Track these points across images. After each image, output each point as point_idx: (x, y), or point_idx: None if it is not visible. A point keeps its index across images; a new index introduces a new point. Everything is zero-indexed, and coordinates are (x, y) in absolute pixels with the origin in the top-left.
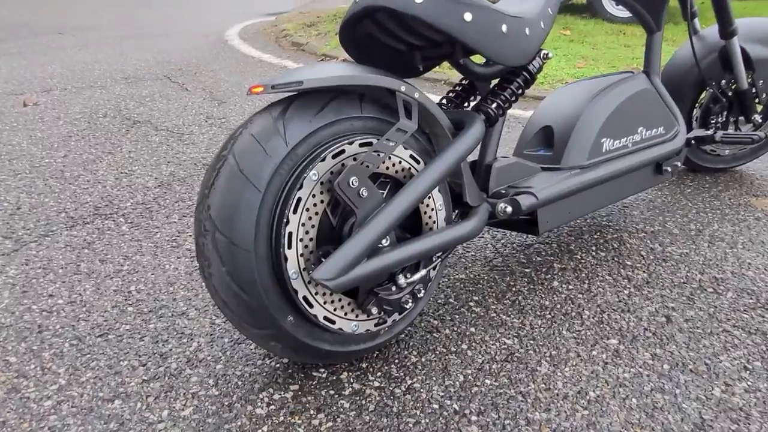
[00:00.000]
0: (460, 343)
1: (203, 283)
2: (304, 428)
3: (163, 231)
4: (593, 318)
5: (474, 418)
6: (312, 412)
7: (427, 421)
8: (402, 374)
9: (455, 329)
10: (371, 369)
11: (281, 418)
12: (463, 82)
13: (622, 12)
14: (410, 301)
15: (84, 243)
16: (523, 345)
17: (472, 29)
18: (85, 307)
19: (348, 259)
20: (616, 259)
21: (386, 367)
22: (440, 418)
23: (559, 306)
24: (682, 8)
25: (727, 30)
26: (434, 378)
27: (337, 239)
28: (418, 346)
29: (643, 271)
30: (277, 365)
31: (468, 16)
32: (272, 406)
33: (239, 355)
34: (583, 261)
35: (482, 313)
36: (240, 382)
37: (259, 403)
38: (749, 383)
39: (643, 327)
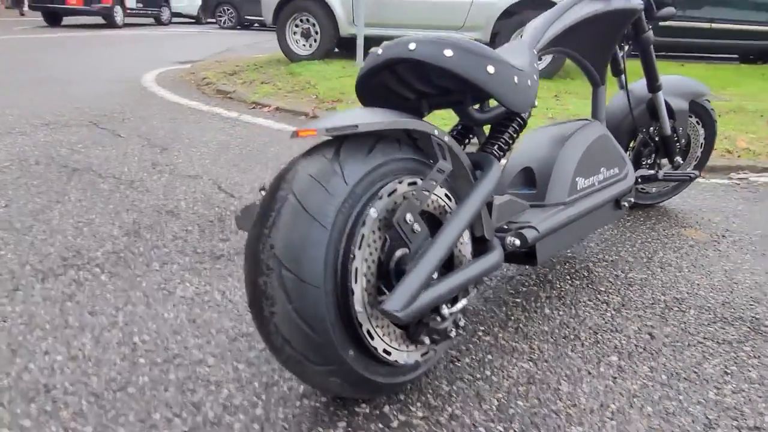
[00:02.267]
0: (483, 369)
1: (257, 324)
2: None
3: (148, 279)
4: (590, 339)
5: None
6: None
7: None
8: (440, 403)
9: (474, 357)
10: (410, 401)
11: None
12: (458, 126)
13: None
14: (454, 329)
15: (64, 296)
16: (539, 368)
17: (494, 80)
18: (91, 362)
19: (412, 291)
20: (590, 286)
21: (423, 398)
22: None
23: (557, 330)
24: (613, 66)
25: (654, 85)
26: (471, 404)
27: (385, 273)
28: (445, 375)
29: (616, 296)
30: (317, 404)
31: (491, 69)
32: None
33: (275, 398)
34: (563, 289)
35: (493, 342)
36: (286, 425)
37: None
38: (734, 385)
39: (633, 344)
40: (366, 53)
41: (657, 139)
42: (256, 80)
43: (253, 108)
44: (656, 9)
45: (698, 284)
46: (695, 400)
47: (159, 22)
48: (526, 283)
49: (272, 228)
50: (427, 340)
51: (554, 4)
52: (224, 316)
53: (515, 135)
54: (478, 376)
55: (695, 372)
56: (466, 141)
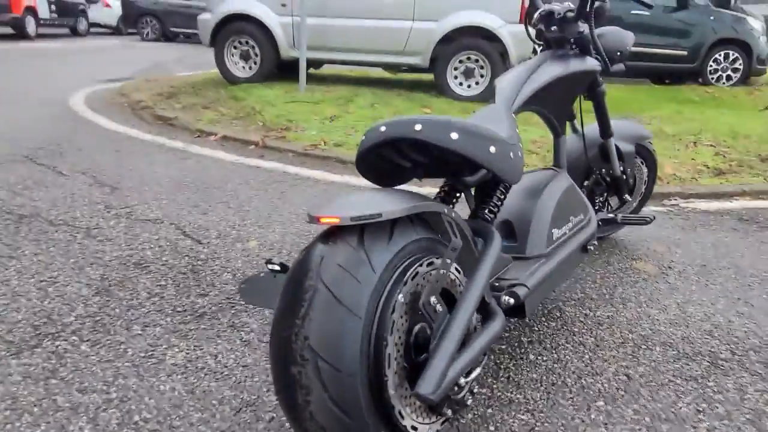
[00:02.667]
0: (487, 425)
1: (287, 410)
2: None
3: (133, 346)
4: (576, 384)
5: None
6: None
7: None
8: None
9: (476, 413)
10: None
11: None
12: (446, 187)
13: (466, 91)
14: (470, 397)
15: (46, 372)
16: (536, 418)
17: (495, 159)
18: None
19: (441, 372)
20: (564, 327)
21: None
22: None
23: (545, 378)
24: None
25: (606, 132)
26: None
27: (407, 351)
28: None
29: (589, 336)
30: None
31: (492, 149)
32: None
33: None
34: (541, 332)
35: (489, 394)
36: None
37: None
38: (707, 423)
39: (614, 387)
40: (308, 74)
41: (608, 179)
42: (196, 104)
43: (198, 137)
44: (609, 67)
45: (658, 319)
46: None
47: (75, 33)
48: (508, 328)
49: (305, 319)
50: (449, 412)
51: (486, 30)
52: (222, 384)
53: (503, 198)
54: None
55: (673, 412)
56: (454, 200)
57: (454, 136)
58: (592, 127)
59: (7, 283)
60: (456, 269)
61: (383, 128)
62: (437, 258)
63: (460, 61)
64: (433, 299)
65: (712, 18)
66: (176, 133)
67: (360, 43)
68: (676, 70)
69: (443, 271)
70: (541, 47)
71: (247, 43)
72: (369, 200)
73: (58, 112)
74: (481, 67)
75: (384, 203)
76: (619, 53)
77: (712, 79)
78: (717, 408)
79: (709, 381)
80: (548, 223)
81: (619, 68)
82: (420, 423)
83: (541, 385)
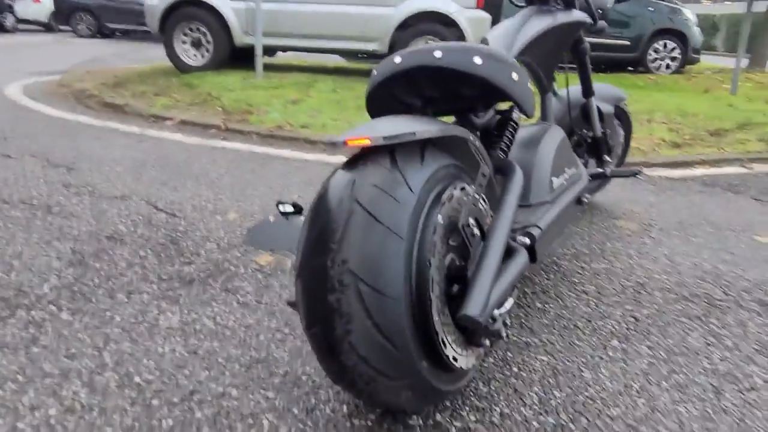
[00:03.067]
0: (510, 367)
1: (322, 346)
2: None
3: (120, 313)
4: (587, 327)
5: (572, 426)
6: None
7: None
8: (486, 404)
9: (496, 357)
10: (457, 406)
11: None
12: None
13: None
14: (504, 330)
15: (25, 341)
16: (557, 359)
17: (517, 86)
18: (95, 412)
19: (485, 294)
20: (565, 278)
21: (468, 401)
22: None
23: (555, 322)
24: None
25: (588, 91)
26: (514, 401)
27: (446, 277)
28: (478, 378)
29: (590, 285)
30: (369, 423)
31: (515, 76)
32: None
33: (323, 422)
34: (543, 284)
35: (505, 339)
36: None
37: None
38: (719, 354)
39: (625, 328)
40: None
41: (589, 140)
42: (147, 92)
43: (154, 122)
44: (596, 20)
45: (650, 269)
46: (696, 371)
47: (2, 29)
48: None
49: (342, 242)
50: (487, 342)
51: (443, 15)
52: (226, 344)
53: (513, 138)
54: (508, 373)
55: (684, 346)
56: None
57: (478, 60)
58: (574, 89)
59: None
60: (483, 199)
61: (398, 59)
62: (468, 185)
63: None
64: (471, 221)
65: (650, 9)
66: (129, 119)
67: (317, 30)
68: (620, 59)
69: (477, 195)
70: (523, 5)
71: (198, 30)
72: (397, 123)
73: None
74: None
75: (414, 125)
76: (600, 11)
77: (652, 67)
78: (724, 340)
79: (711, 318)
80: (549, 171)
81: (602, 25)
82: (460, 354)
83: (555, 329)
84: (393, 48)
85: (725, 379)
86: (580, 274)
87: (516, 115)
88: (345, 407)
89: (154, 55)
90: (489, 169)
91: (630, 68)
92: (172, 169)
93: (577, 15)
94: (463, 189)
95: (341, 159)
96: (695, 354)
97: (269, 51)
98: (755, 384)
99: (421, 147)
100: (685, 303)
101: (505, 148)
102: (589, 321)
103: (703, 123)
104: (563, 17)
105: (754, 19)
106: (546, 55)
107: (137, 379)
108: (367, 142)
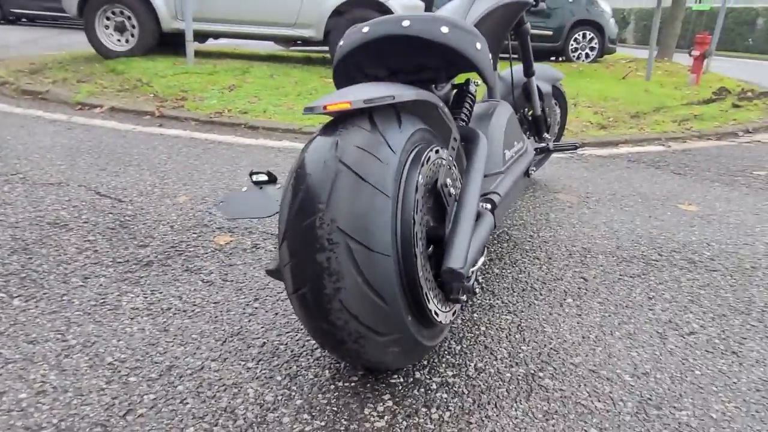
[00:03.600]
0: (479, 327)
1: (311, 307)
2: (431, 423)
3: (78, 297)
4: (543, 288)
5: (541, 374)
6: (423, 410)
7: (513, 386)
8: (461, 360)
9: (464, 318)
10: (434, 363)
11: (402, 425)
12: None
13: None
14: (478, 286)
15: None
16: (519, 317)
17: (480, 56)
18: (70, 393)
19: (465, 248)
20: (517, 246)
21: (444, 359)
22: (521, 383)
23: (514, 285)
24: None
25: (529, 71)
26: (486, 356)
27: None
28: (449, 338)
29: (541, 252)
30: (353, 384)
31: (478, 45)
32: (386, 417)
33: (307, 386)
34: (498, 252)
35: (471, 302)
36: (335, 408)
37: (372, 419)
38: (660, 305)
39: (576, 287)
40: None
41: (530, 118)
42: (69, 79)
43: (81, 109)
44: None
45: (592, 236)
46: (642, 321)
47: None
48: None
49: (329, 202)
50: (464, 298)
51: (377, 3)
52: (198, 320)
53: (472, 109)
54: (477, 332)
55: (630, 300)
56: None
57: (444, 29)
58: (516, 69)
59: None
60: (454, 163)
61: (366, 29)
62: (441, 148)
63: None
64: (449, 181)
65: (570, 1)
66: (52, 106)
67: (250, 15)
68: (544, 49)
69: (451, 158)
70: None
71: (122, 13)
72: (374, 88)
73: None
74: None
75: (390, 90)
76: None
77: (573, 56)
78: (663, 294)
79: (650, 276)
80: (502, 144)
81: (543, 6)
82: (440, 310)
83: (514, 292)
84: (328, 35)
85: (668, 327)
86: (530, 242)
87: (472, 88)
88: (327, 372)
89: (69, 41)
90: (458, 134)
91: (552, 58)
92: (108, 155)
93: None
94: (437, 151)
95: (289, 144)
96: (640, 307)
97: (200, 37)
98: (693, 329)
99: (397, 111)
100: (626, 264)
101: (466, 118)
102: (544, 283)
103: (624, 106)
104: None
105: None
106: (493, 33)
107: (109, 358)
108: (347, 106)
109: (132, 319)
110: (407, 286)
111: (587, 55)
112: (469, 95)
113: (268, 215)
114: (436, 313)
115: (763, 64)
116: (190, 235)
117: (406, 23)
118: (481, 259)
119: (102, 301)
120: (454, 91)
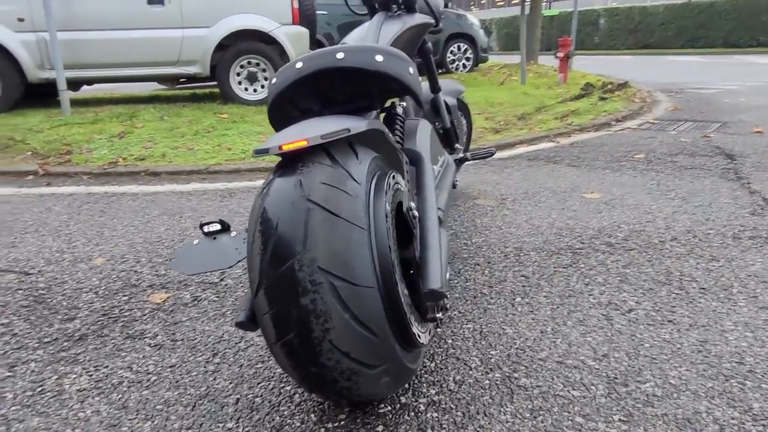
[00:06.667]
0: (446, 340)
1: (299, 352)
2: None
3: (10, 389)
4: (491, 292)
5: (516, 375)
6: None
7: (495, 392)
8: (439, 377)
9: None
10: (416, 385)
11: None
12: None
13: (253, 95)
14: (448, 302)
15: None
16: (479, 324)
17: (413, 80)
18: None
19: (439, 267)
20: (456, 255)
21: (424, 378)
22: (501, 387)
23: (465, 294)
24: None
25: (435, 87)
26: (461, 367)
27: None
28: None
29: (479, 257)
30: (342, 423)
31: (411, 70)
32: None
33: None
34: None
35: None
36: None
37: None
38: (598, 290)
39: (521, 286)
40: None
41: (441, 131)
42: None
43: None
44: (439, 21)
45: (519, 234)
46: (587, 306)
47: None
48: None
49: (305, 243)
50: (440, 315)
51: (260, 33)
52: (157, 389)
53: (402, 131)
54: (446, 346)
55: (570, 290)
56: None
57: (379, 58)
58: (423, 86)
59: None
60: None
61: (300, 64)
62: (396, 173)
63: (242, 66)
64: (412, 205)
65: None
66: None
67: (127, 57)
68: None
69: (406, 182)
70: (365, 14)
71: None
72: (323, 123)
73: None
74: (264, 70)
75: (342, 122)
76: (436, 12)
77: (452, 68)
78: (596, 278)
79: (580, 264)
80: (429, 159)
81: (441, 26)
82: (421, 331)
83: (467, 300)
84: (215, 69)
85: (610, 308)
86: (467, 249)
87: (400, 110)
88: (312, 415)
89: None
90: (407, 158)
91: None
92: None
93: (422, 18)
94: (394, 177)
95: (198, 186)
96: (581, 294)
97: (73, 85)
98: (631, 306)
99: (350, 143)
100: (557, 256)
101: (400, 140)
102: (491, 287)
103: (510, 110)
104: (410, 20)
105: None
106: None
107: None
108: (304, 144)
109: (82, 402)
110: (393, 315)
111: (464, 65)
112: (398, 117)
113: (231, 265)
114: (418, 336)
115: (610, 58)
116: (120, 298)
117: (340, 55)
118: (448, 273)
119: (40, 389)
120: (383, 115)
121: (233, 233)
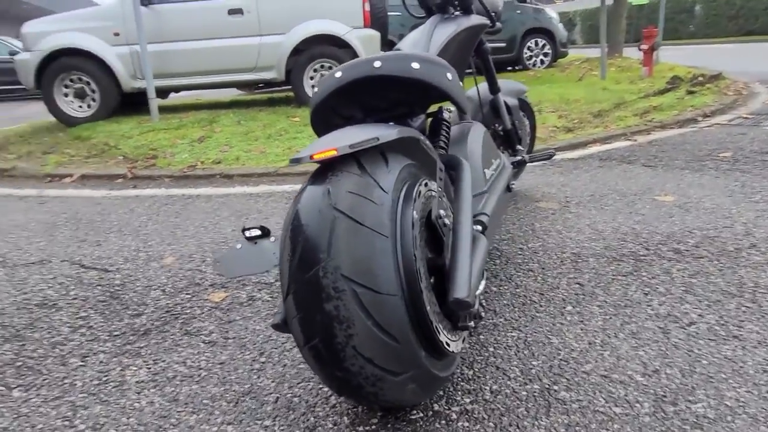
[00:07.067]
0: (487, 348)
1: (324, 357)
2: None
3: (79, 378)
4: (541, 300)
5: (556, 387)
6: None
7: (531, 404)
8: (476, 386)
9: (472, 341)
10: (450, 393)
11: None
12: None
13: None
14: (482, 310)
15: None
16: (524, 332)
17: (453, 85)
18: None
19: (467, 276)
20: (509, 261)
21: (459, 387)
22: (538, 399)
23: (514, 301)
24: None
25: (494, 88)
26: (499, 377)
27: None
28: (460, 364)
29: (533, 263)
30: (374, 428)
31: (449, 75)
32: None
33: None
34: (492, 269)
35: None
36: None
37: None
38: (657, 300)
39: (574, 294)
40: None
41: (501, 133)
42: (33, 152)
43: (50, 181)
44: (495, 22)
45: (579, 239)
46: (643, 318)
47: None
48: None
49: (330, 250)
50: (472, 324)
51: (333, 38)
52: (206, 384)
53: (449, 136)
54: (486, 354)
55: (627, 300)
56: None
57: (415, 65)
58: (482, 87)
59: None
60: (443, 192)
61: (339, 74)
62: (429, 180)
63: (315, 70)
64: (442, 213)
65: (518, 12)
66: (20, 182)
67: (209, 65)
68: (499, 60)
69: (440, 189)
70: (423, 18)
71: (80, 79)
72: (354, 132)
73: None
74: None
75: (371, 131)
76: (494, 13)
77: (529, 64)
78: (658, 288)
79: (641, 272)
80: (481, 164)
81: (499, 26)
82: (451, 339)
83: (515, 307)
84: (290, 74)
85: (668, 320)
86: (521, 254)
87: (446, 114)
88: (345, 418)
89: (26, 113)
90: (442, 164)
91: (509, 68)
92: (86, 225)
93: (477, 19)
94: (426, 185)
95: (267, 188)
96: (638, 304)
97: (162, 93)
98: (692, 319)
99: (382, 151)
100: (617, 263)
101: (444, 146)
102: (542, 294)
103: (586, 107)
104: (465, 22)
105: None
106: (456, 59)
107: None
108: (334, 153)
109: (139, 393)
110: (417, 323)
111: (542, 61)
112: (444, 122)
113: (267, 269)
114: (447, 344)
115: (706, 48)
116: (183, 296)
117: (377, 64)
118: (483, 283)
119: (105, 378)
120: (429, 119)
121: (272, 238)
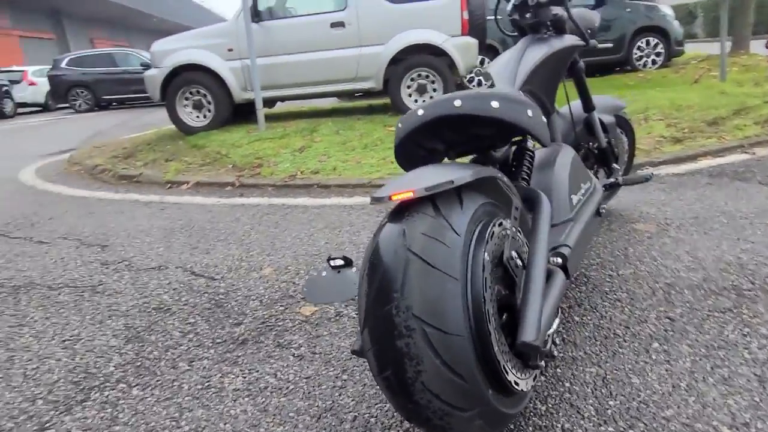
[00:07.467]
0: (563, 383)
1: (395, 389)
2: None
3: (186, 381)
4: (626, 334)
5: None
6: None
7: None
8: (547, 422)
9: (548, 374)
10: (521, 427)
11: None
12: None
13: None
14: (555, 349)
15: (105, 421)
16: (604, 369)
17: (533, 122)
18: None
19: (536, 319)
20: (596, 288)
21: (531, 422)
22: None
23: (596, 333)
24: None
25: (588, 106)
26: (573, 415)
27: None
28: (534, 398)
29: (622, 292)
30: None
31: (530, 113)
32: None
33: None
34: (577, 297)
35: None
36: None
37: None
38: (757, 342)
39: (662, 329)
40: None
41: (596, 151)
42: (158, 159)
43: (170, 188)
44: (589, 41)
45: (675, 268)
46: (738, 362)
47: (2, 115)
48: None
49: (402, 290)
50: (543, 363)
51: (430, 46)
52: (293, 397)
53: (532, 165)
54: (562, 389)
55: (722, 340)
56: None
57: (495, 104)
58: (575, 104)
59: (27, 348)
60: (519, 230)
61: (421, 112)
62: (504, 219)
63: (412, 79)
64: (514, 254)
65: (628, 10)
66: (145, 188)
67: (312, 77)
68: (606, 61)
69: (515, 228)
70: (515, 36)
71: (198, 92)
72: (432, 173)
73: (12, 188)
74: (433, 82)
75: (448, 173)
76: (589, 30)
77: (639, 65)
78: (759, 329)
79: (742, 309)
80: (567, 190)
81: (594, 43)
82: (520, 378)
83: (596, 340)
84: (387, 83)
85: (767, 367)
86: (610, 282)
87: (531, 143)
88: None
89: (152, 120)
90: (519, 201)
91: (617, 68)
92: (198, 232)
93: (570, 39)
94: (500, 224)
95: (360, 200)
96: (734, 346)
97: (269, 103)
98: None
99: (458, 192)
100: (715, 297)
101: (527, 177)
102: (627, 327)
103: (699, 114)
104: (558, 43)
105: (731, 2)
106: (547, 81)
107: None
108: (410, 195)
109: (234, 401)
110: (484, 362)
111: (653, 62)
112: (528, 152)
113: (347, 299)
114: (516, 383)
115: None
116: (278, 308)
117: (458, 103)
118: (556, 321)
119: (207, 384)
120: (513, 148)
121: (354, 269)
